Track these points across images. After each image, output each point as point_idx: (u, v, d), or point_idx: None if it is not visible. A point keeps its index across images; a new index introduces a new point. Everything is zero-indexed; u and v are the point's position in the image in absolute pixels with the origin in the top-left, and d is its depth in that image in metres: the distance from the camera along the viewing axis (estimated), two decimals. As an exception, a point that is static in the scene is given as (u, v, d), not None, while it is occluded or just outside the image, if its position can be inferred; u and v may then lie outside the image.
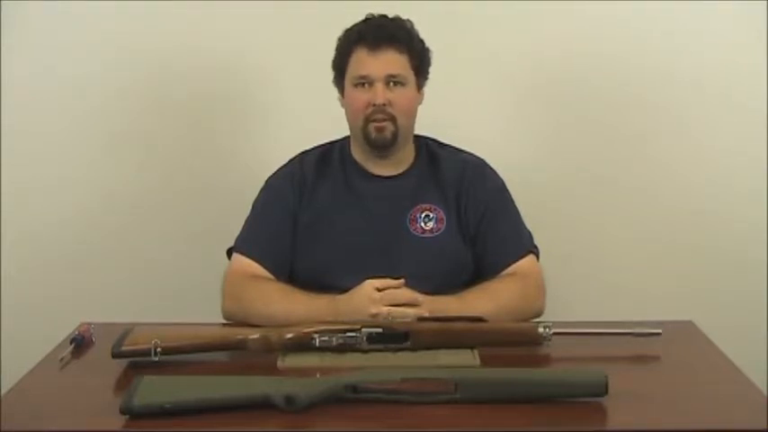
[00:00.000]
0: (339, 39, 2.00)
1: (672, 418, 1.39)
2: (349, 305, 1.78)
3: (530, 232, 2.03)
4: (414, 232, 1.97)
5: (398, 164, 2.02)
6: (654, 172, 2.52)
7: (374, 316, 1.74)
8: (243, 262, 1.96)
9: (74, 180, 2.52)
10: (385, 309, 1.76)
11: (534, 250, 2.00)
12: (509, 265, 1.96)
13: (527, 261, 1.98)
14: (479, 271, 1.99)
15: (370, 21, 1.98)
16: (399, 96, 1.94)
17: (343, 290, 1.84)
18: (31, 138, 2.49)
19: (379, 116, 1.93)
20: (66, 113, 2.49)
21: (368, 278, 1.81)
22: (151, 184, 2.54)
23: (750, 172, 2.50)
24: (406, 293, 1.79)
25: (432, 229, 1.98)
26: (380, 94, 1.92)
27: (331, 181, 2.02)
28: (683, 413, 1.41)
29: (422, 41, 2.00)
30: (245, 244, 1.99)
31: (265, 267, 1.95)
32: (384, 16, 1.98)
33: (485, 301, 1.84)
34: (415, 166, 2.03)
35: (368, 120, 1.94)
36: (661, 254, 2.55)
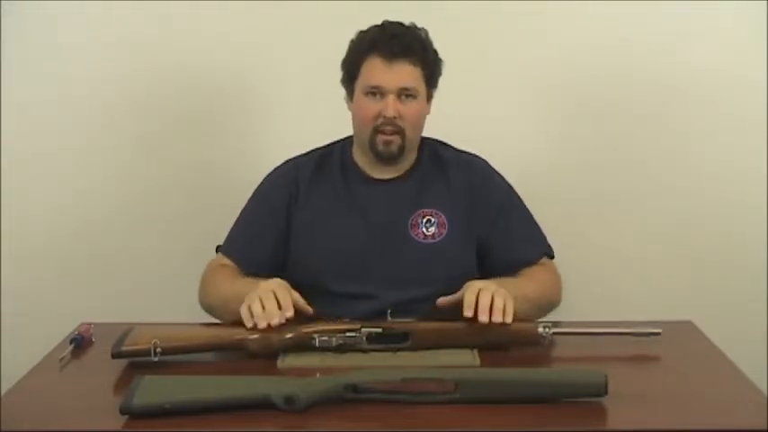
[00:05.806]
0: (352, 41, 1.95)
1: (672, 418, 1.39)
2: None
3: (541, 231, 2.02)
4: (415, 237, 1.95)
5: (400, 167, 1.99)
6: (655, 173, 2.52)
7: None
8: (220, 260, 1.99)
9: (74, 180, 2.51)
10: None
11: (550, 251, 2.01)
12: (529, 265, 1.95)
13: (546, 260, 1.99)
14: (492, 273, 1.93)
15: (385, 28, 1.92)
16: (410, 109, 1.91)
17: (343, 295, 1.87)
18: (31, 138, 2.49)
19: (389, 128, 1.90)
20: (65, 114, 2.48)
21: (368, 284, 1.86)
22: (151, 185, 2.53)
23: (750, 173, 2.49)
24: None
25: (433, 234, 1.95)
26: (392, 106, 1.88)
27: (329, 183, 2.00)
28: (683, 413, 1.41)
29: (435, 52, 1.95)
30: (226, 244, 2.01)
31: (241, 268, 1.95)
32: (400, 24, 1.93)
33: (526, 281, 1.88)
34: (416, 168, 2.01)
35: (376, 130, 1.91)
36: (661, 254, 2.55)
